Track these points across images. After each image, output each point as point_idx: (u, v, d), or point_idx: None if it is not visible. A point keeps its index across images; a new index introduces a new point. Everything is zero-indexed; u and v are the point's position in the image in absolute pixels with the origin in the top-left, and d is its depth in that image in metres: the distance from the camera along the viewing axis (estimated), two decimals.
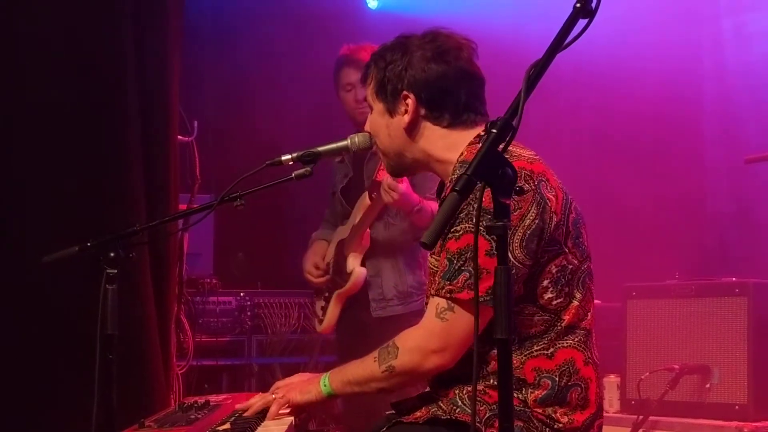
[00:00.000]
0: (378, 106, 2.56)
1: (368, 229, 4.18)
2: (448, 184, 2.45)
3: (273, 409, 2.48)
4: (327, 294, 4.35)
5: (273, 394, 2.54)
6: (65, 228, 3.61)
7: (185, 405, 2.65)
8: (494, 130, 1.64)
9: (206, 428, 2.30)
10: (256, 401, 2.54)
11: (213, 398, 2.82)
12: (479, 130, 2.49)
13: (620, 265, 4.97)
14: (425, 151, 2.53)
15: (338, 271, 4.29)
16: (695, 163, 5.88)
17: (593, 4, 1.72)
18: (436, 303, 2.30)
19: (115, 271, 2.53)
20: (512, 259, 2.23)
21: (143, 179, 3.93)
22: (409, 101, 2.50)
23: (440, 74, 2.48)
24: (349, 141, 2.71)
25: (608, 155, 5.79)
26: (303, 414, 2.61)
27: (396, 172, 2.71)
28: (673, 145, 5.79)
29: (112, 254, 2.54)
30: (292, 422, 2.40)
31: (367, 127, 2.63)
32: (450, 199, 1.59)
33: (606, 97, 5.78)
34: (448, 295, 2.27)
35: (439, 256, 2.34)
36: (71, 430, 3.33)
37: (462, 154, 2.43)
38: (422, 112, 2.50)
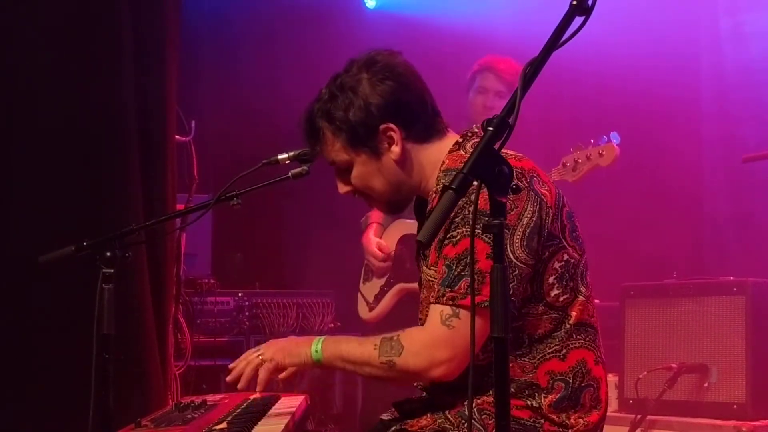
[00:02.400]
0: (360, 158, 2.40)
1: None
2: (434, 195, 2.36)
3: (262, 375, 2.36)
4: (392, 280, 4.35)
5: (260, 355, 2.40)
6: (62, 227, 3.61)
7: (182, 404, 2.64)
8: (490, 128, 1.61)
9: (202, 428, 2.29)
10: (243, 366, 2.40)
11: (210, 398, 2.82)
12: (452, 137, 2.43)
13: (618, 265, 4.97)
14: (419, 174, 2.42)
15: (402, 266, 4.29)
16: (693, 162, 5.88)
17: (590, 2, 1.70)
18: (440, 310, 2.21)
19: (112, 270, 2.52)
20: (514, 260, 2.18)
21: (140, 179, 3.93)
22: (391, 132, 2.37)
23: (399, 87, 2.36)
24: None
25: None
26: (292, 378, 2.45)
27: (396, 209, 2.56)
28: (670, 144, 5.79)
29: (108, 254, 2.54)
30: (287, 423, 2.36)
31: (356, 183, 2.45)
32: (446, 197, 1.55)
33: (603, 96, 5.78)
34: (451, 302, 2.19)
35: (437, 266, 2.27)
36: (68, 429, 3.33)
37: (443, 162, 2.36)
38: (404, 134, 2.37)
